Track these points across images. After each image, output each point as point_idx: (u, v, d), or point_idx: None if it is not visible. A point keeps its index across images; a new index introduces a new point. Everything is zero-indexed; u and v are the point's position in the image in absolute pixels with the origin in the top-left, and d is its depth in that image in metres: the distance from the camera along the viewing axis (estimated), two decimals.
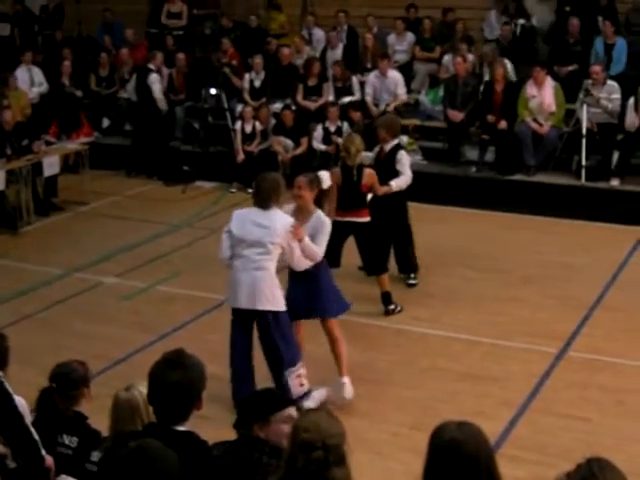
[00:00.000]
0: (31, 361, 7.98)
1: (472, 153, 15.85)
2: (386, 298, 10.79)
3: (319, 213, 8.72)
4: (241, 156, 16.20)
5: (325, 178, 8.85)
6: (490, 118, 15.17)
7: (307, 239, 8.34)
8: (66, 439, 5.41)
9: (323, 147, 15.75)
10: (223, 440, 4.74)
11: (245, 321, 8.39)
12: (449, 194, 14.95)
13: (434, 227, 13.68)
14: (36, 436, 4.94)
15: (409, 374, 9.24)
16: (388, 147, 11.17)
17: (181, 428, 4.12)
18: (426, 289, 11.44)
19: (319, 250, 8.53)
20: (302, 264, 8.44)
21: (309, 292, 8.68)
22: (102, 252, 13.03)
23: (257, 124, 16.46)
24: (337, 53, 17.73)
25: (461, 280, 11.71)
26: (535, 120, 15.06)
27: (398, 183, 10.96)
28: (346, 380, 8.76)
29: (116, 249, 13.17)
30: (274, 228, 8.11)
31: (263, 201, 8.20)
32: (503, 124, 15.07)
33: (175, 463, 3.50)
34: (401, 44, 17.73)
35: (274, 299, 8.24)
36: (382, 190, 10.76)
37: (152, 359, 4.32)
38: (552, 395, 8.76)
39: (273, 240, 8.11)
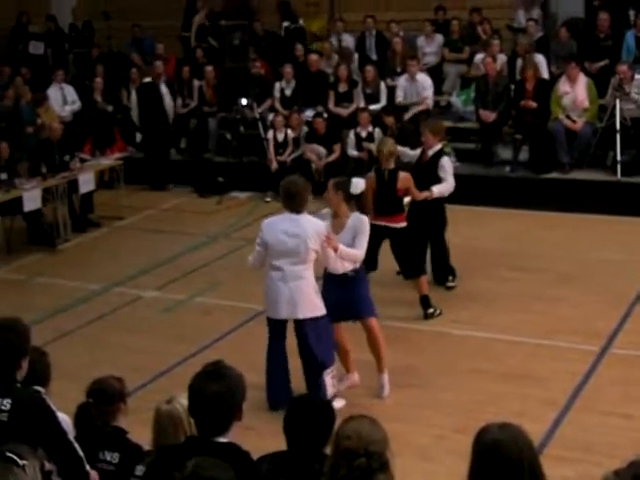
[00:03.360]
0: (73, 377, 7.97)
1: (506, 153, 15.79)
2: (425, 301, 10.73)
3: (356, 214, 8.67)
4: (274, 165, 16.24)
5: (357, 184, 8.79)
6: (523, 103, 15.11)
7: (342, 247, 8.32)
8: (107, 455, 5.39)
9: (356, 153, 15.74)
10: (272, 452, 4.73)
11: (282, 330, 8.49)
12: (484, 195, 14.89)
13: (470, 229, 13.63)
14: (80, 452, 4.95)
15: (451, 377, 9.20)
16: (431, 152, 11.10)
17: (222, 439, 4.12)
18: (465, 291, 11.39)
19: (359, 252, 8.53)
20: (338, 267, 8.45)
21: (348, 297, 8.66)
22: (140, 266, 13.09)
23: (289, 132, 16.49)
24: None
25: (500, 281, 11.65)
26: (568, 117, 14.98)
27: (440, 189, 10.89)
28: (386, 377, 8.89)
29: (154, 262, 13.22)
30: (306, 235, 8.11)
31: (293, 205, 8.20)
32: (533, 104, 15.04)
33: (232, 477, 3.49)
34: (430, 46, 17.71)
35: (313, 306, 8.29)
36: (421, 195, 10.72)
37: (193, 371, 4.32)
38: (596, 393, 8.70)
39: (307, 247, 8.12)
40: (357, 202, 8.76)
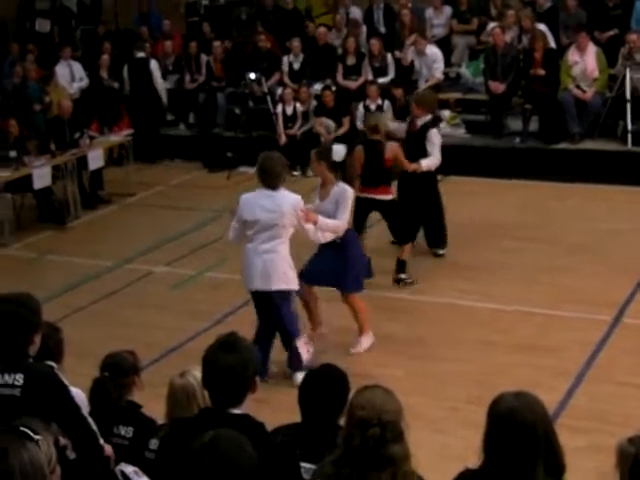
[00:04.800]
0: (86, 353, 7.98)
1: (515, 124, 15.74)
2: (401, 266, 10.82)
3: (340, 184, 8.84)
4: (283, 139, 16.22)
5: (337, 151, 8.90)
6: (532, 71, 15.04)
7: (321, 219, 8.49)
8: (122, 430, 5.41)
9: None
10: (286, 423, 4.73)
11: (261, 301, 8.62)
12: (494, 166, 14.86)
13: (480, 200, 13.62)
14: (94, 426, 4.95)
15: (462, 348, 9.20)
16: (420, 122, 11.16)
17: (236, 411, 4.11)
18: (475, 262, 11.37)
19: (339, 223, 8.71)
20: (319, 238, 8.63)
21: (334, 262, 8.90)
22: (150, 242, 13.09)
23: (298, 106, 16.46)
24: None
25: (510, 251, 11.63)
26: (578, 87, 14.91)
27: (428, 164, 10.97)
28: (366, 339, 9.22)
29: (164, 238, 13.22)
30: (282, 211, 8.24)
31: (268, 181, 8.34)
32: (542, 71, 14.97)
33: (252, 452, 3.47)
34: (438, 18, 17.59)
35: (287, 279, 8.43)
36: (410, 167, 10.80)
37: (205, 346, 4.30)
38: (608, 363, 8.70)
39: (282, 223, 8.26)
40: (342, 170, 8.87)
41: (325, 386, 4.63)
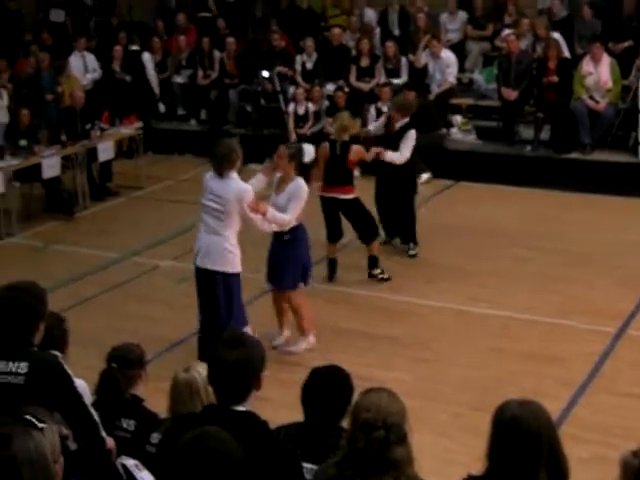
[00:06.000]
0: (91, 344, 7.97)
1: (527, 132, 15.70)
2: (373, 262, 11.01)
3: (297, 180, 8.98)
4: (293, 138, 16.18)
5: (308, 151, 9.02)
6: (545, 79, 15.00)
7: (270, 211, 8.65)
8: (124, 423, 5.40)
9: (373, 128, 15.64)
10: (289, 423, 4.71)
11: (203, 280, 8.71)
12: (504, 173, 14.84)
13: (490, 207, 13.59)
14: (96, 417, 4.94)
15: (469, 355, 9.18)
16: (398, 125, 11.49)
17: (240, 408, 4.08)
18: (484, 269, 11.34)
19: (287, 217, 8.86)
20: (265, 227, 8.85)
21: (278, 258, 9.14)
22: (158, 236, 13.09)
23: (310, 105, 16.43)
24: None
25: (518, 260, 11.59)
26: (591, 97, 14.87)
27: (392, 157, 11.25)
28: (307, 339, 9.38)
29: (172, 232, 13.21)
30: (227, 199, 8.41)
31: (217, 167, 8.52)
32: (555, 78, 14.94)
33: (237, 450, 3.45)
34: (453, 23, 17.56)
35: (226, 262, 8.55)
36: (371, 154, 11.09)
37: None
38: (613, 374, 8.67)
39: (227, 210, 8.42)
40: (303, 169, 9.15)
41: (329, 387, 4.61)
